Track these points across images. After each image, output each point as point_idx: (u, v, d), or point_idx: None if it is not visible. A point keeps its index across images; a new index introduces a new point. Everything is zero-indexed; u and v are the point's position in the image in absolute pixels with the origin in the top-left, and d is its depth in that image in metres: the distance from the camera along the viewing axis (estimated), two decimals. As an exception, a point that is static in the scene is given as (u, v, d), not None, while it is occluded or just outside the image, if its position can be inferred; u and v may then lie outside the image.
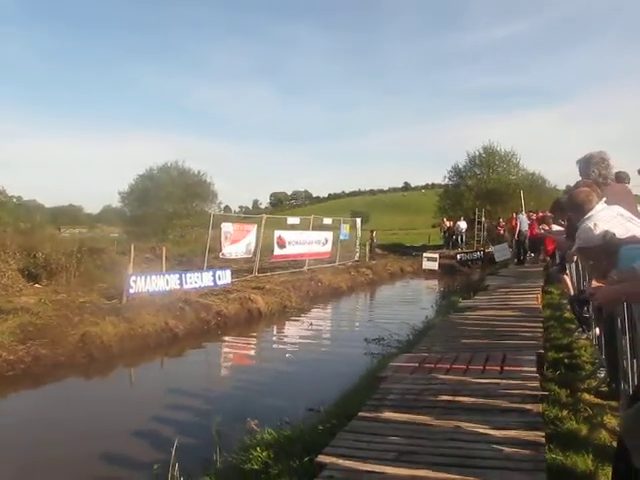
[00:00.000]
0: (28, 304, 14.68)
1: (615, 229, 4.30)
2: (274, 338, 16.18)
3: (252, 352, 14.82)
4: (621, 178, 7.88)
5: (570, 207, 6.15)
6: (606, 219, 4.60)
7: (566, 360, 7.98)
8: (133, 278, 16.24)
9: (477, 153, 48.53)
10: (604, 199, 5.14)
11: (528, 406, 5.61)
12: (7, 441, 8.05)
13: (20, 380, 10.85)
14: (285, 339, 15.98)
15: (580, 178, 6.24)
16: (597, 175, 5.97)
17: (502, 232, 35.85)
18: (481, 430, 5.07)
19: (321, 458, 4.68)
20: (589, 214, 5.52)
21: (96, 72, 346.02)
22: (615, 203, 4.77)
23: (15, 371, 11.00)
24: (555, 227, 11.06)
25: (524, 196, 34.51)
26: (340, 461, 4.58)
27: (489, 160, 48.07)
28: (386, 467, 4.41)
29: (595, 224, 5.27)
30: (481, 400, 5.93)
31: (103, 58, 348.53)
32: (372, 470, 4.38)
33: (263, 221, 24.68)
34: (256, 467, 5.27)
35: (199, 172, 51.65)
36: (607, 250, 4.09)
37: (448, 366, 7.39)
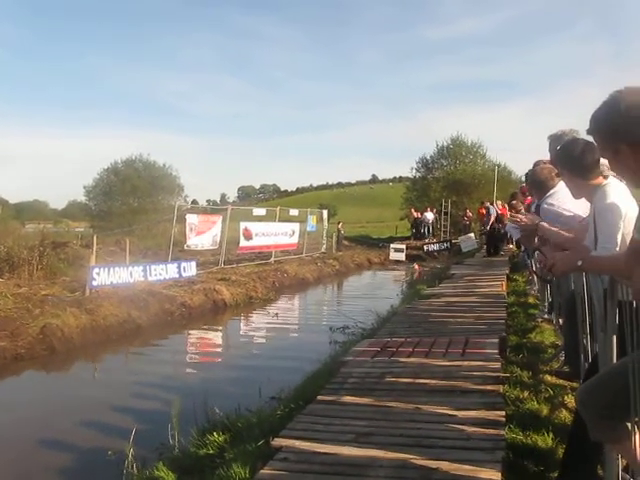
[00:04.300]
0: (-13, 297, 14.40)
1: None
2: (239, 329, 16.05)
3: (216, 343, 14.69)
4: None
5: (532, 184, 6.12)
6: (569, 197, 4.55)
7: (529, 344, 7.97)
8: (96, 270, 15.97)
9: (445, 144, 48.84)
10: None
11: (489, 387, 5.58)
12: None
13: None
14: (250, 330, 15.87)
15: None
16: None
17: (468, 222, 36.14)
18: (441, 411, 5.02)
19: (277, 441, 4.58)
20: (551, 191, 5.49)
21: (57, 65, 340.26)
22: None
23: (-29, 364, 10.74)
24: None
25: (490, 187, 34.82)
26: (296, 443, 4.48)
27: (456, 151, 48.37)
28: (342, 448, 4.33)
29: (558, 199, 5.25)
30: (442, 382, 5.89)
31: (65, 50, 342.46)
32: (328, 452, 4.30)
33: (228, 212, 24.51)
34: (212, 452, 5.17)
35: (164, 165, 51.12)
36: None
37: (410, 350, 7.35)
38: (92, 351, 12.76)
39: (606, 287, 3.22)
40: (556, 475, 3.83)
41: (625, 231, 3.34)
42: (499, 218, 22.98)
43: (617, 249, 3.26)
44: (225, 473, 4.36)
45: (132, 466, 5.08)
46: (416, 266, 27.49)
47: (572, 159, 3.92)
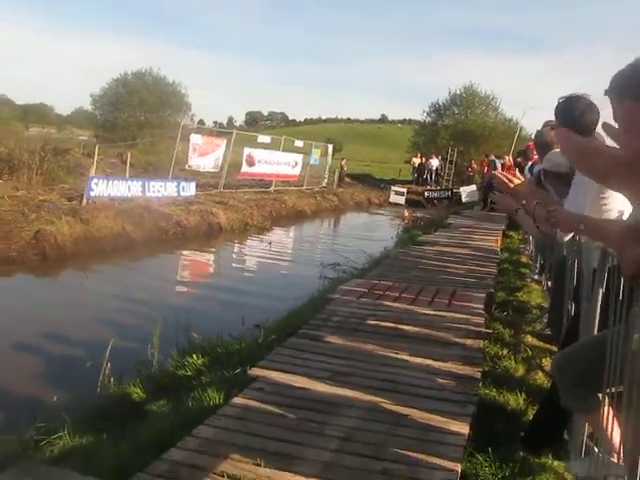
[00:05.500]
0: (-16, 197, 14.41)
1: None
2: (231, 254, 16.13)
3: (207, 266, 14.77)
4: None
5: (538, 145, 6.03)
6: None
7: (515, 302, 8.00)
8: (95, 181, 15.94)
9: (458, 92, 48.24)
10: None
11: (469, 341, 5.63)
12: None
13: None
14: (242, 256, 15.96)
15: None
16: None
17: (472, 174, 35.92)
18: (419, 360, 5.08)
19: (254, 370, 4.64)
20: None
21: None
22: None
23: (-39, 261, 10.79)
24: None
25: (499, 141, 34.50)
26: (273, 374, 4.55)
27: (469, 100, 47.79)
28: (318, 385, 4.39)
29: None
30: (424, 331, 5.93)
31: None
32: (303, 386, 4.36)
33: (233, 136, 24.35)
34: (189, 373, 5.24)
35: (174, 82, 50.50)
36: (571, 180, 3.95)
37: (397, 294, 7.39)
38: (83, 261, 12.83)
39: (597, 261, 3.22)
40: (523, 434, 3.88)
41: (606, 202, 3.35)
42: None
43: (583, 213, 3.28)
44: (200, 396, 4.42)
45: (109, 379, 5.13)
46: (406, 212, 27.50)
47: (571, 116, 3.84)
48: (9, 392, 5.90)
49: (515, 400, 4.52)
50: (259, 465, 3.27)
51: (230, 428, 3.72)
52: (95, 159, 17.19)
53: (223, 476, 3.16)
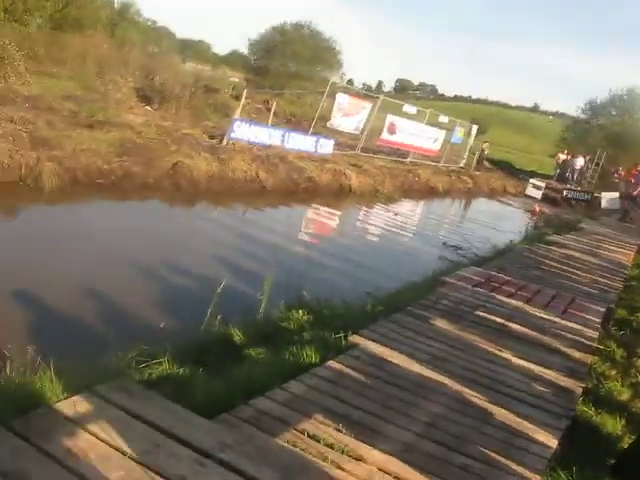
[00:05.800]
0: (134, 122, 15.06)
1: None
2: (357, 219, 16.10)
3: (331, 226, 14.85)
4: None
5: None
6: None
7: (635, 323, 7.63)
8: (238, 123, 16.34)
9: (619, 93, 45.84)
10: None
11: (578, 354, 5.46)
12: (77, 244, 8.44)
13: (106, 190, 11.19)
14: (367, 223, 15.94)
15: None
16: None
17: (617, 181, 34.30)
18: (521, 362, 4.98)
19: (354, 338, 4.69)
20: None
21: None
22: None
23: (104, 180, 11.32)
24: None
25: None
26: (371, 345, 4.59)
27: (629, 103, 45.35)
28: (414, 364, 4.40)
29: None
30: (533, 333, 5.80)
31: None
32: (399, 363, 4.37)
33: (379, 102, 24.21)
34: (292, 327, 5.33)
35: (330, 38, 50.67)
36: None
37: (513, 290, 7.25)
38: (214, 199, 13.21)
39: None
40: (612, 462, 3.74)
41: None
42: None
43: None
44: (298, 352, 4.49)
45: (215, 318, 5.24)
46: (537, 208, 26.42)
47: None
48: (122, 312, 6.21)
49: (613, 424, 4.35)
50: (340, 431, 3.32)
51: (320, 389, 3.79)
52: (242, 102, 17.59)
53: (303, 434, 3.23)
